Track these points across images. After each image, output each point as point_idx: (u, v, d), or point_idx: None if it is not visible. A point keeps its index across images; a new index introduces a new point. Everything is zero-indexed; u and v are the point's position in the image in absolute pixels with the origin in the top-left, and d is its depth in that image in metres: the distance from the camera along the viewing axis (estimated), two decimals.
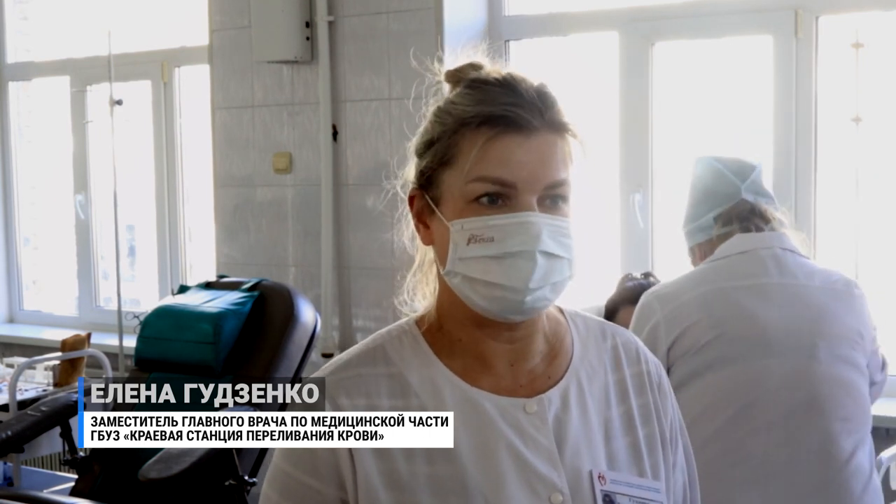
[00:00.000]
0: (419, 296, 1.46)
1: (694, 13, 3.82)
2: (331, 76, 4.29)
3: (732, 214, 2.42)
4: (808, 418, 2.26)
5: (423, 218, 1.39)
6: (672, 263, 3.77)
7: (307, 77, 4.38)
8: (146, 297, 5.36)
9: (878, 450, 2.77)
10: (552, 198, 1.33)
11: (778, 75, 3.66)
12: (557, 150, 1.34)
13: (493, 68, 1.38)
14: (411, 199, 1.41)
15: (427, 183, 1.38)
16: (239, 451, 3.37)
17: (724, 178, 2.44)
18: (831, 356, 2.27)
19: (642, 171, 3.92)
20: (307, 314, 3.93)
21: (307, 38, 4.31)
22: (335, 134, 4.33)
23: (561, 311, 1.47)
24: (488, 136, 1.32)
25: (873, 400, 2.44)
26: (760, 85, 3.72)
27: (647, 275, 3.11)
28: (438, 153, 1.36)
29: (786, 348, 2.28)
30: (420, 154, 1.39)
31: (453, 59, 1.42)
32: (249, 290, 3.98)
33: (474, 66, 1.39)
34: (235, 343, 3.86)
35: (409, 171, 1.42)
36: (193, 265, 5.21)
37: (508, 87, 1.34)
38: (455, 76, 1.40)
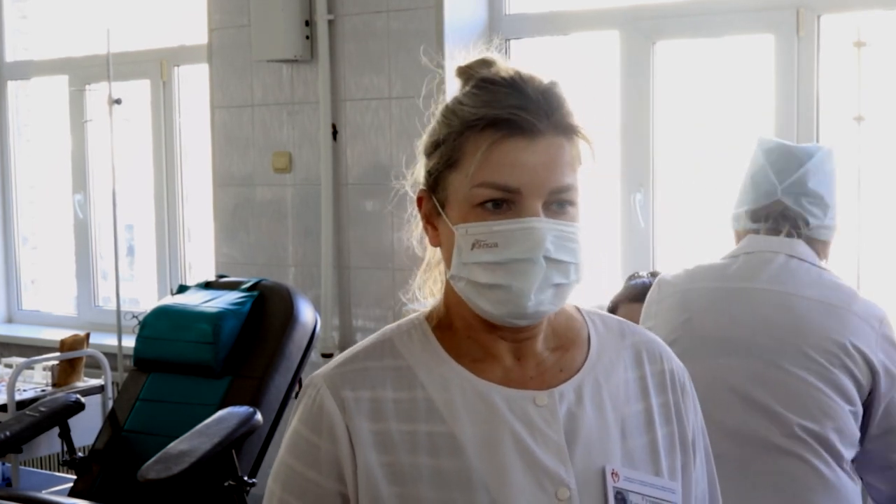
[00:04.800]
0: (427, 293, 1.46)
1: (695, 12, 3.81)
2: (330, 75, 4.28)
3: (762, 214, 2.37)
4: (759, 420, 2.20)
5: (431, 219, 1.39)
6: (673, 263, 3.76)
7: (307, 76, 4.37)
8: (145, 297, 5.35)
9: None
10: (558, 202, 1.32)
11: (780, 74, 3.65)
12: (564, 153, 1.32)
13: (503, 66, 1.36)
14: (419, 200, 1.40)
15: (434, 184, 1.37)
16: (238, 451, 3.36)
17: (765, 176, 2.37)
18: (797, 364, 2.20)
19: (643, 171, 3.91)
20: (307, 314, 3.92)
21: (307, 37, 4.30)
22: (335, 133, 4.32)
23: (578, 309, 1.46)
24: (492, 139, 1.31)
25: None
26: (762, 84, 3.71)
27: (654, 274, 3.10)
28: (444, 155, 1.35)
29: (748, 350, 2.24)
30: (428, 154, 1.38)
31: (464, 55, 1.40)
32: (249, 289, 3.97)
33: (485, 63, 1.37)
34: (235, 343, 3.85)
35: (419, 171, 1.40)
36: (193, 265, 5.20)
37: (515, 87, 1.32)
38: (465, 72, 1.38)
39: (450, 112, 1.36)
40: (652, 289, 2.44)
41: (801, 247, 2.34)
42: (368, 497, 1.33)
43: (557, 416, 1.36)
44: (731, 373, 2.24)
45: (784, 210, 2.35)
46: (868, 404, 2.26)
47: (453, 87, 1.40)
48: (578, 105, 1.35)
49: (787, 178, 2.36)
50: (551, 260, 1.31)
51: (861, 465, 2.32)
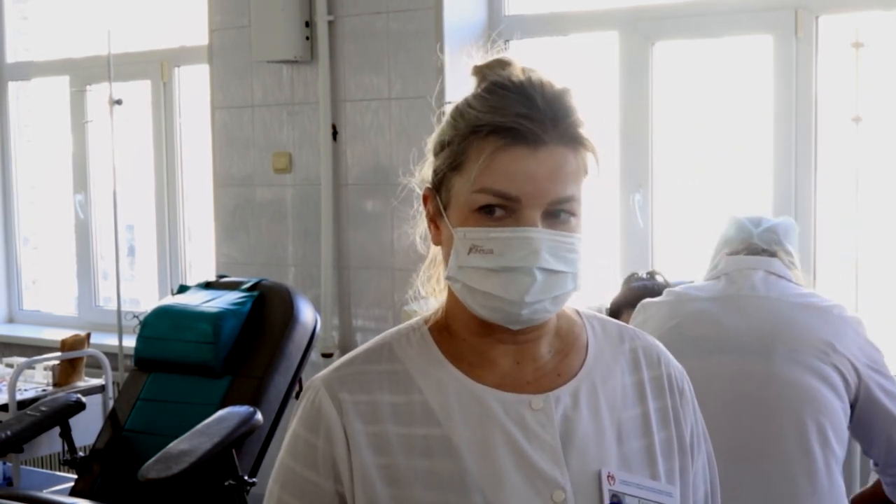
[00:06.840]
0: (430, 292, 1.47)
1: (694, 13, 3.82)
2: (330, 76, 4.29)
3: (741, 250, 2.46)
4: (754, 416, 2.24)
5: (435, 218, 1.39)
6: (672, 263, 3.77)
7: (307, 77, 4.38)
8: (146, 297, 5.36)
9: None
10: (557, 213, 1.32)
11: (778, 75, 3.66)
12: (568, 163, 1.32)
13: (517, 68, 1.36)
14: (425, 198, 1.41)
15: (439, 184, 1.37)
16: (239, 450, 3.36)
17: (741, 226, 2.50)
18: (789, 360, 2.25)
19: (642, 171, 3.92)
20: (307, 314, 3.93)
21: (307, 38, 4.31)
22: (335, 134, 4.33)
23: (578, 312, 1.47)
24: (496, 146, 1.30)
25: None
26: (760, 85, 3.72)
27: (652, 274, 3.11)
28: (449, 157, 1.35)
29: (741, 348, 2.29)
30: (435, 153, 1.39)
31: (474, 53, 1.40)
32: (249, 289, 3.98)
33: (501, 63, 1.37)
34: (235, 343, 3.86)
35: (427, 169, 1.41)
36: (193, 265, 5.21)
37: (524, 94, 1.32)
38: (480, 72, 1.38)
39: (458, 113, 1.36)
40: (635, 313, 2.49)
41: (778, 265, 2.43)
42: (365, 498, 1.34)
43: (553, 419, 1.36)
44: (723, 369, 2.29)
45: (761, 249, 2.45)
46: (864, 419, 2.30)
47: (452, 86, 1.41)
48: (588, 115, 1.35)
49: (759, 225, 2.49)
50: (546, 270, 1.31)
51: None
